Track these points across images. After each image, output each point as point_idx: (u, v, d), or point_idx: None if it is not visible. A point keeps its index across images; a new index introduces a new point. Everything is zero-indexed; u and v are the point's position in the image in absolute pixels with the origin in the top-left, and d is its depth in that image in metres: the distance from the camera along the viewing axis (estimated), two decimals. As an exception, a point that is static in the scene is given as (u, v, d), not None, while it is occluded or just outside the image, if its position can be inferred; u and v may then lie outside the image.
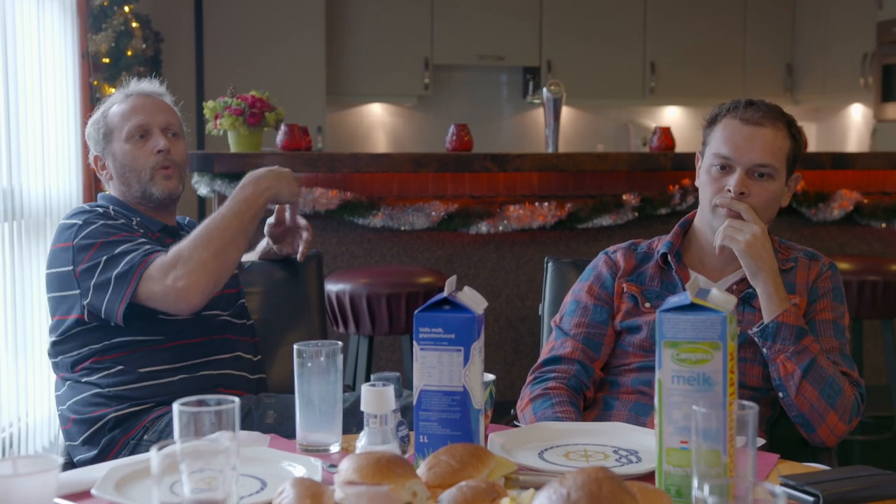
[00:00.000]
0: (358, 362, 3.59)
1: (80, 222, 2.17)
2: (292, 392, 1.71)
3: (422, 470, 1.33)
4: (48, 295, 2.22)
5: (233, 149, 3.99)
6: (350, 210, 4.01)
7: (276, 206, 2.42)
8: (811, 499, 1.40)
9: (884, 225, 4.37)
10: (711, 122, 2.09)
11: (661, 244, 2.15)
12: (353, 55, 6.79)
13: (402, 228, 4.06)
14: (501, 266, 4.30)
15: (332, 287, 3.48)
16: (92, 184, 4.20)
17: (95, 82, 4.43)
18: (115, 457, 2.08)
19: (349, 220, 4.05)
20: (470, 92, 7.35)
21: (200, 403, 1.27)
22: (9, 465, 1.19)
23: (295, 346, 1.69)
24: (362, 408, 1.49)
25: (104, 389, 2.15)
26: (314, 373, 1.67)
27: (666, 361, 1.38)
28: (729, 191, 2.02)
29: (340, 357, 1.70)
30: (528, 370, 2.13)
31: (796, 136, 2.07)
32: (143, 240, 2.15)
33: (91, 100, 4.30)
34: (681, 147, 5.20)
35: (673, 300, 1.42)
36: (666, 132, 4.55)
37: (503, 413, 2.20)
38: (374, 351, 3.72)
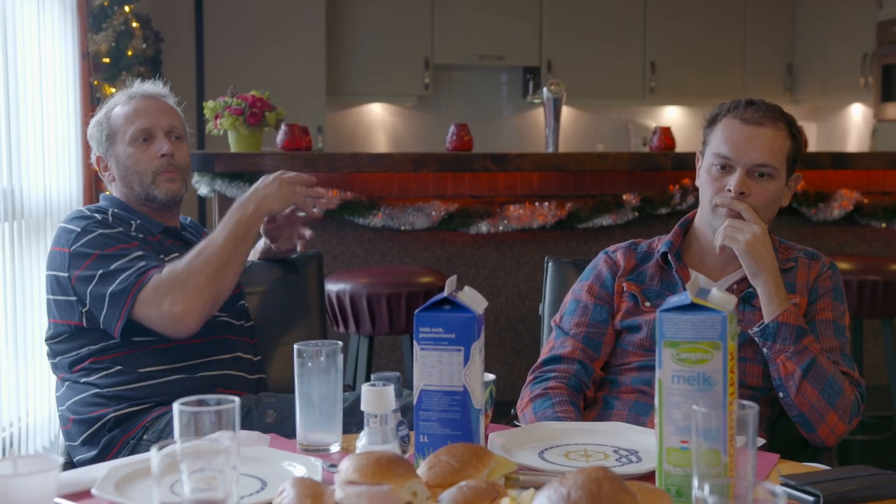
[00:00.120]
0: (358, 362, 3.59)
1: (78, 229, 2.16)
2: (292, 392, 1.71)
3: (422, 470, 1.33)
4: (47, 296, 2.22)
5: (233, 148, 3.99)
6: (350, 210, 4.01)
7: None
8: (811, 499, 1.40)
9: (884, 225, 4.37)
10: (711, 122, 2.09)
11: (661, 244, 2.15)
12: (353, 55, 6.79)
13: (403, 228, 4.06)
14: (501, 266, 4.30)
15: (333, 287, 3.48)
16: (92, 184, 4.20)
17: (96, 82, 4.43)
18: (115, 457, 2.08)
19: (349, 219, 4.05)
20: (470, 92, 7.35)
21: (200, 403, 1.27)
22: (9, 464, 1.19)
23: (295, 346, 1.69)
24: (362, 407, 1.49)
25: (103, 389, 2.15)
26: (314, 372, 1.67)
27: (666, 361, 1.38)
28: (729, 190, 2.02)
29: (340, 357, 1.70)
30: (528, 370, 2.13)
31: (796, 136, 2.07)
32: (138, 253, 2.14)
33: (91, 100, 4.30)
34: (681, 147, 5.21)
35: (673, 300, 1.42)
36: (666, 132, 4.55)
37: (503, 413, 2.20)
38: (374, 351, 3.72)
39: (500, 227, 4.10)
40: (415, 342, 1.50)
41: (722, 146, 2.03)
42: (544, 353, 2.13)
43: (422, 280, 3.55)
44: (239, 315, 2.34)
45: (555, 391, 2.03)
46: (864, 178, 4.42)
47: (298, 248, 2.43)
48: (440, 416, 1.49)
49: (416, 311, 1.50)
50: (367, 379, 1.97)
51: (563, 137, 6.36)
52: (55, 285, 2.18)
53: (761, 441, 1.64)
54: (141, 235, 2.22)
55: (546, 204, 4.12)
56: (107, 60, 4.63)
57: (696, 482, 1.29)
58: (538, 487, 1.21)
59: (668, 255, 2.11)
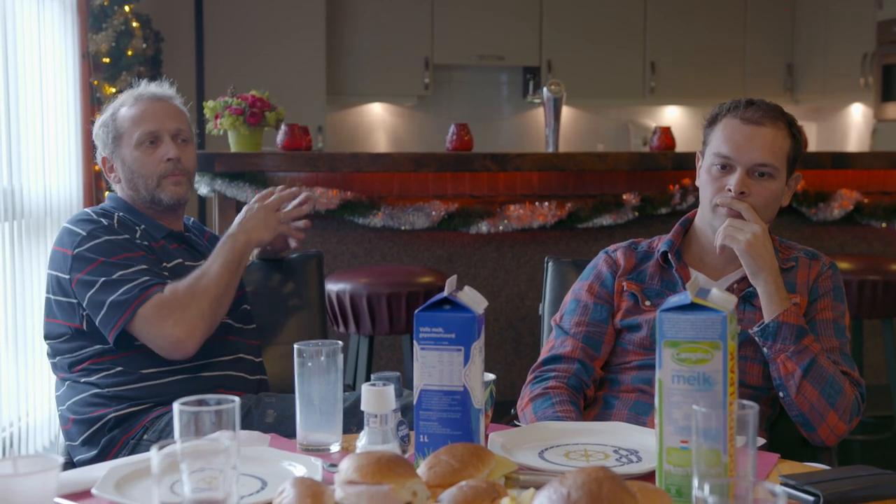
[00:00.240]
0: (358, 362, 3.59)
1: (84, 233, 2.16)
2: (292, 392, 1.71)
3: (422, 469, 1.33)
4: (47, 295, 2.22)
5: (233, 148, 3.99)
6: (350, 210, 4.01)
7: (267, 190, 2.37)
8: (811, 498, 1.40)
9: (884, 224, 4.37)
10: (712, 122, 2.09)
11: (661, 243, 2.15)
12: (353, 55, 6.79)
13: (403, 228, 4.06)
14: (501, 266, 4.30)
15: (333, 287, 3.48)
16: (92, 183, 4.20)
17: (96, 82, 4.43)
18: (115, 456, 2.08)
19: (349, 219, 4.05)
20: (470, 92, 7.35)
21: (200, 403, 1.27)
22: (9, 464, 1.19)
23: (295, 346, 1.69)
24: (362, 407, 1.49)
25: (103, 389, 2.15)
26: (314, 372, 1.67)
27: (666, 361, 1.38)
28: (729, 190, 2.02)
29: (341, 357, 1.70)
30: (529, 370, 2.13)
31: (796, 136, 2.07)
32: (143, 266, 2.14)
33: (91, 100, 4.30)
34: (681, 147, 5.20)
35: (673, 300, 1.42)
36: (666, 132, 4.55)
37: (503, 412, 2.20)
38: (374, 350, 3.72)
39: (501, 227, 4.10)
40: (415, 342, 1.50)
41: (722, 146, 2.03)
42: (544, 353, 2.13)
43: (422, 280, 3.55)
44: (242, 318, 2.34)
45: (555, 391, 2.03)
46: (864, 178, 4.42)
47: (293, 245, 2.42)
48: (440, 415, 1.49)
49: (416, 311, 1.50)
50: (367, 379, 1.97)
51: (563, 137, 6.36)
52: (56, 286, 2.18)
53: (761, 441, 1.64)
54: (146, 242, 2.22)
55: (546, 204, 4.12)
56: (107, 60, 4.63)
57: (696, 482, 1.29)
58: (538, 487, 1.21)
59: (669, 255, 2.11)
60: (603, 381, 2.11)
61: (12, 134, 3.38)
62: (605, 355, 2.11)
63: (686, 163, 4.15)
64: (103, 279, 2.11)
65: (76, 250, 2.14)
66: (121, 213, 2.26)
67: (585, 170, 4.24)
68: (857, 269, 3.71)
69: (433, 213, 4.04)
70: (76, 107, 4.14)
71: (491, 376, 1.62)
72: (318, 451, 1.66)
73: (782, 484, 1.44)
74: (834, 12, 6.95)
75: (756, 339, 1.97)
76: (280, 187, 2.37)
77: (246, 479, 1.45)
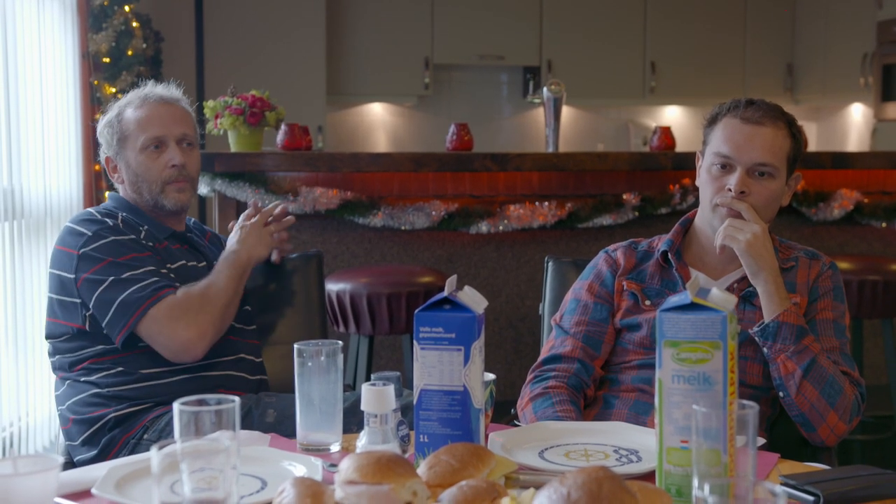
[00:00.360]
0: (358, 362, 3.59)
1: (89, 233, 2.16)
2: (293, 392, 1.71)
3: (422, 469, 1.33)
4: (49, 294, 2.22)
5: (233, 148, 3.99)
6: (350, 209, 4.01)
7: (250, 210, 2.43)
8: (811, 498, 1.40)
9: (884, 224, 4.37)
10: (712, 122, 2.09)
11: (661, 243, 2.15)
12: (353, 55, 6.79)
13: (403, 228, 4.06)
14: (502, 265, 4.30)
15: (333, 287, 3.48)
16: (92, 183, 4.20)
17: (96, 82, 4.43)
18: (115, 456, 2.08)
19: (349, 219, 4.05)
20: (470, 91, 7.35)
21: (200, 403, 1.27)
22: (9, 464, 1.19)
23: (295, 346, 1.69)
24: (363, 407, 1.49)
25: (103, 389, 2.15)
26: (314, 372, 1.67)
27: (666, 361, 1.38)
28: (729, 190, 2.02)
29: (341, 356, 1.70)
30: (529, 369, 2.13)
31: (796, 136, 2.07)
32: (150, 267, 2.15)
33: (91, 100, 4.30)
34: (681, 147, 5.20)
35: (673, 300, 1.42)
36: (666, 132, 4.55)
37: (503, 412, 2.20)
38: (374, 350, 3.72)
39: (501, 227, 4.10)
40: (415, 342, 1.50)
41: (722, 145, 2.03)
42: (544, 353, 2.13)
43: (422, 280, 3.55)
44: (243, 318, 2.34)
45: (555, 390, 2.03)
46: (865, 178, 4.42)
47: (274, 260, 2.44)
48: (440, 415, 1.49)
49: (416, 311, 1.50)
50: (367, 379, 1.97)
51: (564, 137, 6.35)
52: (58, 285, 2.18)
53: (761, 441, 1.64)
54: (150, 243, 2.22)
55: (546, 204, 4.12)
56: (107, 60, 4.63)
57: (696, 482, 1.29)
58: (538, 487, 1.21)
59: (669, 254, 2.11)
60: (603, 381, 2.11)
61: (12, 134, 3.38)
62: (605, 355, 2.11)
63: (686, 163, 4.15)
64: (112, 278, 2.11)
65: (82, 250, 2.14)
66: (124, 214, 2.26)
67: (585, 170, 4.24)
68: (857, 269, 3.71)
69: (433, 212, 4.04)
70: (76, 107, 4.14)
71: (491, 376, 1.62)
72: (318, 450, 1.66)
73: (782, 484, 1.44)
74: (834, 12, 6.95)
75: (756, 338, 1.97)
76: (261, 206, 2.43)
77: (246, 479, 1.45)
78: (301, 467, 1.50)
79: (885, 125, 6.58)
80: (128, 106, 2.30)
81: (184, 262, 2.27)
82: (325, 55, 6.54)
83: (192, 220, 2.48)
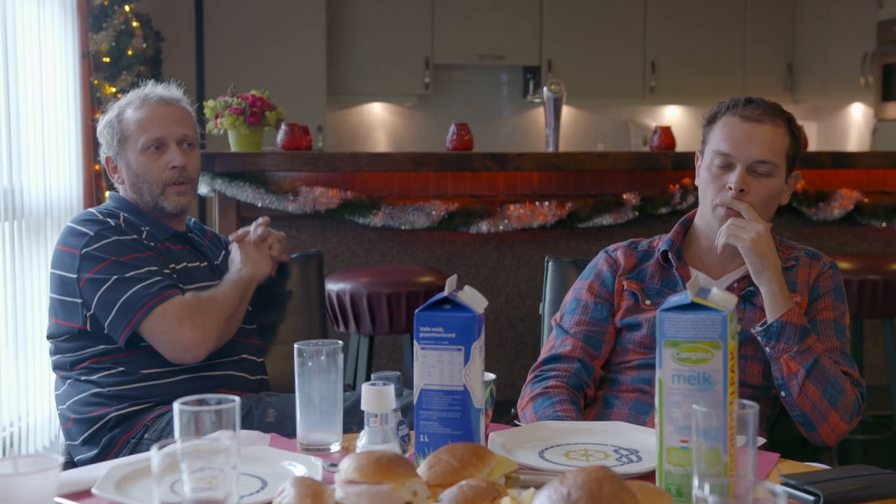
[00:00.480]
0: (358, 362, 3.59)
1: (91, 233, 2.16)
2: (293, 391, 1.71)
3: (422, 469, 1.33)
4: (50, 294, 2.22)
5: (233, 148, 3.99)
6: (350, 209, 4.01)
7: (240, 230, 2.45)
8: (812, 498, 1.40)
9: (884, 224, 4.37)
10: (711, 121, 2.09)
11: (661, 242, 2.15)
12: (353, 55, 6.79)
13: (403, 228, 4.06)
14: (502, 265, 4.30)
15: (333, 286, 3.48)
16: (92, 183, 4.20)
17: (96, 81, 4.43)
18: (116, 456, 2.09)
19: (349, 219, 4.05)
20: (470, 91, 7.35)
21: (201, 403, 1.27)
22: (9, 464, 1.19)
23: (295, 346, 1.69)
24: (363, 407, 1.49)
25: (104, 389, 2.15)
26: (315, 372, 1.67)
27: (666, 361, 1.38)
28: (730, 188, 2.01)
29: (341, 356, 1.70)
30: (529, 369, 2.13)
31: (795, 134, 2.07)
32: (153, 267, 2.16)
33: (91, 99, 4.30)
34: (681, 146, 5.21)
35: (673, 299, 1.42)
36: (666, 131, 4.55)
37: (503, 412, 2.21)
38: (374, 350, 3.72)
39: (501, 227, 4.10)
40: (415, 342, 1.50)
41: (722, 143, 2.03)
42: (544, 352, 2.13)
43: (422, 280, 3.55)
44: (245, 318, 2.34)
45: (555, 390, 2.03)
46: (865, 178, 4.43)
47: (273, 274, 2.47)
48: (440, 415, 1.49)
49: (416, 311, 1.50)
50: (368, 378, 1.97)
51: (564, 137, 6.36)
52: (60, 285, 2.18)
53: (762, 440, 1.64)
54: (152, 244, 2.22)
55: (546, 203, 4.12)
56: (107, 60, 4.63)
57: (696, 481, 1.29)
58: (538, 487, 1.21)
59: (669, 254, 2.11)
60: (603, 381, 2.11)
61: (12, 133, 3.38)
62: (606, 354, 2.11)
63: (686, 162, 4.15)
64: (115, 277, 2.11)
65: (84, 250, 2.14)
66: (125, 214, 2.26)
67: (585, 169, 4.24)
68: (857, 269, 3.71)
69: (433, 212, 4.04)
70: (76, 106, 4.14)
71: (491, 376, 1.62)
72: (318, 450, 1.66)
73: (782, 483, 1.44)
74: (834, 12, 6.95)
75: (759, 338, 1.97)
76: (253, 224, 2.44)
77: (246, 479, 1.45)
78: (301, 467, 1.50)
79: (885, 125, 6.58)
80: (128, 106, 2.30)
81: (185, 262, 2.28)
82: (325, 55, 6.54)
83: (193, 220, 2.48)
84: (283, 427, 1.97)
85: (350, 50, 6.79)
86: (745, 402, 1.33)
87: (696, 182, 2.12)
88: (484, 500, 1.21)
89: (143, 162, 2.26)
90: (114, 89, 4.54)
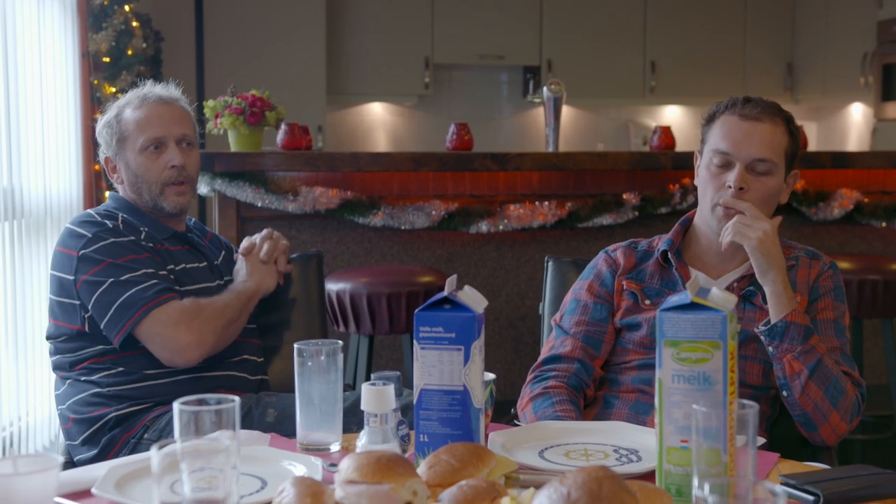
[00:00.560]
0: (358, 361, 3.59)
1: (89, 234, 2.16)
2: (293, 391, 1.71)
3: (422, 469, 1.33)
4: (49, 295, 2.22)
5: (233, 148, 3.99)
6: (350, 209, 4.01)
7: (247, 242, 2.43)
8: (811, 498, 1.40)
9: (884, 224, 4.37)
10: (709, 120, 2.09)
11: (661, 242, 2.15)
12: (353, 54, 6.79)
13: (403, 227, 4.06)
14: (502, 265, 4.30)
15: (333, 286, 3.48)
16: (92, 183, 4.20)
17: (96, 81, 4.43)
18: (116, 456, 2.09)
19: (349, 219, 4.05)
20: (470, 91, 7.35)
21: (200, 402, 1.27)
22: (9, 464, 1.18)
23: (295, 346, 1.69)
24: (362, 407, 1.49)
25: (104, 389, 2.15)
26: (314, 372, 1.67)
27: (666, 360, 1.38)
28: (729, 187, 2.01)
29: (341, 356, 1.70)
30: (529, 369, 2.13)
31: (794, 133, 2.07)
32: (149, 269, 2.15)
33: (91, 99, 4.30)
34: (681, 146, 5.21)
35: (673, 299, 1.42)
36: (666, 131, 4.55)
37: (503, 412, 2.20)
38: (374, 350, 3.72)
39: (501, 227, 4.10)
40: (415, 341, 1.50)
41: (721, 142, 2.03)
42: (544, 353, 2.13)
43: (422, 279, 3.55)
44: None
45: (555, 390, 2.03)
46: (865, 178, 4.43)
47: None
48: (440, 415, 1.49)
49: (416, 311, 1.50)
50: (367, 378, 1.97)
51: (564, 137, 6.36)
52: (58, 287, 2.18)
53: (761, 440, 1.64)
54: (150, 244, 2.22)
55: (546, 203, 4.12)
56: (107, 60, 4.63)
57: (696, 481, 1.29)
58: (538, 487, 1.21)
59: (669, 254, 2.11)
60: (603, 381, 2.11)
61: (12, 134, 3.38)
62: (605, 354, 2.11)
63: (686, 162, 4.15)
64: (112, 280, 2.11)
65: (82, 252, 2.14)
66: (124, 215, 2.26)
67: (585, 169, 4.24)
68: (857, 268, 3.71)
69: (433, 212, 4.04)
70: (76, 106, 4.14)
71: (491, 376, 1.62)
72: (318, 450, 1.66)
73: (782, 483, 1.44)
74: (834, 12, 6.95)
75: (762, 337, 1.96)
76: (259, 237, 2.41)
77: (246, 479, 1.45)
78: (301, 467, 1.50)
79: (885, 125, 6.58)
80: (127, 106, 2.29)
81: (184, 263, 2.27)
82: (325, 55, 6.54)
83: (193, 220, 2.48)
84: (282, 427, 1.97)
85: (350, 50, 6.79)
86: (745, 402, 1.33)
87: (695, 182, 2.12)
88: (484, 499, 1.21)
89: (142, 162, 2.26)
90: (114, 89, 4.54)
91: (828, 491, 1.40)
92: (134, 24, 4.90)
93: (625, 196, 4.19)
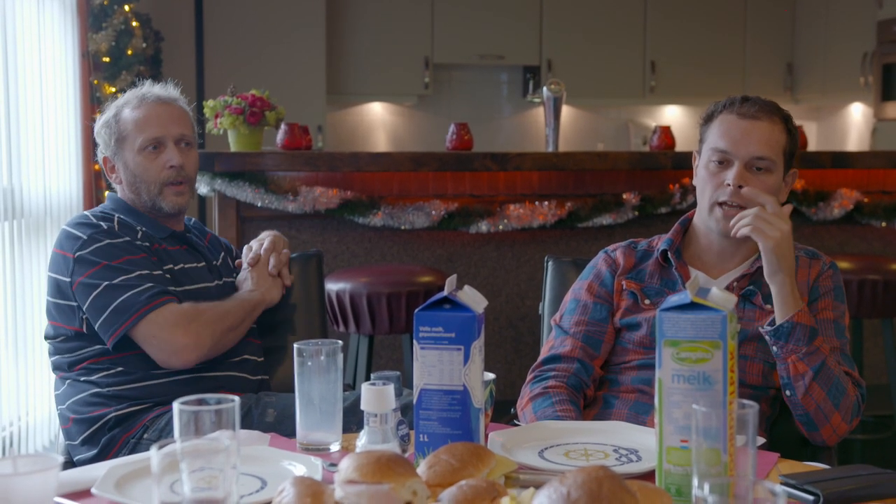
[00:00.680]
0: (358, 361, 3.59)
1: (84, 236, 2.16)
2: (293, 391, 1.71)
3: (422, 469, 1.33)
4: (47, 297, 2.22)
5: (233, 148, 3.99)
6: (350, 209, 4.01)
7: (252, 253, 2.43)
8: (811, 498, 1.40)
9: (884, 224, 4.37)
10: (708, 119, 2.09)
11: (660, 242, 2.15)
12: (353, 54, 6.79)
13: (403, 227, 4.06)
14: (501, 265, 4.30)
15: (333, 286, 3.48)
16: (92, 183, 4.20)
17: (96, 81, 4.43)
18: (115, 456, 2.08)
19: (349, 219, 4.05)
20: (470, 91, 7.35)
21: (200, 402, 1.27)
22: (9, 464, 1.18)
23: (295, 346, 1.69)
24: (362, 407, 1.49)
25: (103, 389, 2.15)
26: (314, 372, 1.67)
27: (666, 360, 1.38)
28: (728, 185, 2.01)
29: (340, 356, 1.70)
30: (528, 369, 2.13)
31: (792, 131, 2.07)
32: (144, 271, 2.15)
33: (91, 99, 4.30)
34: (681, 146, 5.20)
35: (673, 299, 1.42)
36: (666, 131, 4.55)
37: (503, 412, 2.20)
38: (374, 350, 3.72)
39: (501, 227, 4.10)
40: (415, 341, 1.50)
41: (719, 141, 2.03)
42: (544, 353, 2.13)
43: (422, 279, 3.55)
44: None
45: (555, 390, 2.03)
46: (864, 178, 4.42)
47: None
48: (440, 415, 1.49)
49: (416, 311, 1.50)
50: (367, 378, 1.97)
51: (563, 137, 6.36)
52: (55, 289, 2.18)
53: (761, 440, 1.64)
54: (147, 244, 2.22)
55: (546, 203, 4.12)
56: (107, 60, 4.63)
57: (696, 481, 1.29)
58: (538, 486, 1.21)
59: (668, 253, 2.11)
60: (603, 381, 2.11)
61: (12, 134, 3.38)
62: (605, 354, 2.11)
63: (686, 162, 4.15)
64: (106, 283, 2.11)
65: (77, 253, 2.14)
66: (120, 216, 2.25)
67: (585, 169, 4.24)
68: (857, 268, 3.70)
69: (433, 212, 4.04)
70: (76, 106, 4.14)
71: (491, 376, 1.62)
72: (318, 450, 1.66)
73: (782, 483, 1.44)
74: (834, 12, 6.95)
75: (767, 337, 1.95)
76: (262, 247, 2.41)
77: (246, 479, 1.45)
78: (301, 467, 1.50)
79: (885, 125, 6.58)
80: (125, 106, 2.29)
81: (182, 263, 2.27)
82: (325, 55, 6.54)
83: (193, 220, 2.47)
84: (282, 427, 1.97)
85: (350, 50, 6.79)
86: (745, 401, 1.33)
87: (694, 181, 2.12)
88: (484, 499, 1.21)
89: (140, 162, 2.26)
90: (113, 89, 4.54)
91: (828, 491, 1.40)
92: (134, 24, 4.90)
93: (625, 196, 4.19)
